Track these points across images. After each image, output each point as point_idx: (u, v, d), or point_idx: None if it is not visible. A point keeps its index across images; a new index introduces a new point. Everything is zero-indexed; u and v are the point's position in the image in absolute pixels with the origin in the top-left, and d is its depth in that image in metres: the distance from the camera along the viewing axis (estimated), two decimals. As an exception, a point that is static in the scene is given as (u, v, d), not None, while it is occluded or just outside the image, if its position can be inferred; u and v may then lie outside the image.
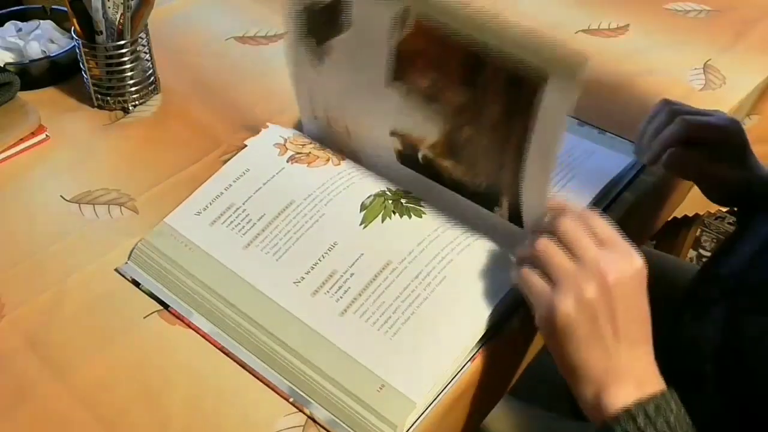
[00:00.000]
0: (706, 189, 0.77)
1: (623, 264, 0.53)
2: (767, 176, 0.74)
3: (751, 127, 0.95)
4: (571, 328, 0.52)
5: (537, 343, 0.68)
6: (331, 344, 0.58)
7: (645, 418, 0.50)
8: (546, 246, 0.55)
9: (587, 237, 0.54)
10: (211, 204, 0.68)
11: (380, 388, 0.55)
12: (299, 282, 0.61)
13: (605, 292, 0.52)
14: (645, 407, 0.50)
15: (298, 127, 0.77)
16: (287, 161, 0.71)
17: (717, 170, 0.73)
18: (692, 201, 0.95)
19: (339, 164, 0.70)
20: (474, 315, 0.58)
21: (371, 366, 0.56)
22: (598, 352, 0.53)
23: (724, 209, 1.14)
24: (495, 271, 0.61)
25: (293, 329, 0.59)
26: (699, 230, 1.72)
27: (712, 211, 1.09)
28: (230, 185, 0.69)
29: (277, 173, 0.70)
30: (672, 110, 0.73)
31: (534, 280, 0.55)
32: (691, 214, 1.02)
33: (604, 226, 0.55)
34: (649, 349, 0.55)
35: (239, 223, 0.66)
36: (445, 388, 0.56)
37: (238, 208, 0.67)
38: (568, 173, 0.72)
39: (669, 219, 0.95)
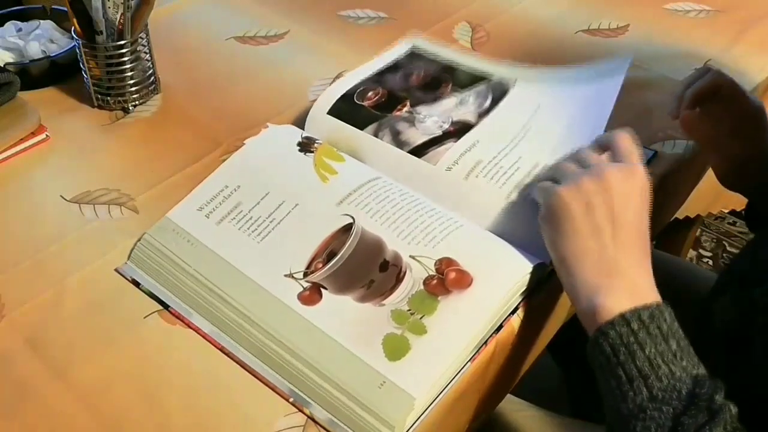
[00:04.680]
0: (719, 167, 0.77)
1: (625, 173, 0.57)
2: None
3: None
4: (568, 212, 0.56)
5: (539, 344, 0.68)
6: (335, 342, 0.57)
7: (639, 323, 0.51)
8: (559, 162, 0.61)
9: (597, 152, 0.60)
10: (212, 200, 0.68)
11: (381, 385, 0.54)
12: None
13: (603, 190, 0.56)
14: (640, 313, 0.52)
15: (299, 126, 0.77)
16: (290, 158, 0.71)
17: (732, 143, 0.73)
18: (693, 202, 0.95)
19: (343, 161, 0.70)
20: (475, 315, 0.58)
21: (374, 363, 0.55)
22: (593, 243, 0.55)
23: (726, 210, 1.13)
24: (497, 273, 0.60)
25: (296, 327, 0.58)
26: (699, 230, 1.72)
27: (713, 212, 1.09)
28: (231, 181, 0.69)
29: (278, 170, 0.70)
30: (712, 70, 0.73)
31: (545, 184, 0.59)
32: (692, 216, 1.02)
33: (625, 142, 0.59)
34: (647, 264, 0.56)
35: (240, 219, 0.66)
36: (446, 387, 0.56)
37: (239, 204, 0.67)
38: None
39: (671, 220, 0.95)
